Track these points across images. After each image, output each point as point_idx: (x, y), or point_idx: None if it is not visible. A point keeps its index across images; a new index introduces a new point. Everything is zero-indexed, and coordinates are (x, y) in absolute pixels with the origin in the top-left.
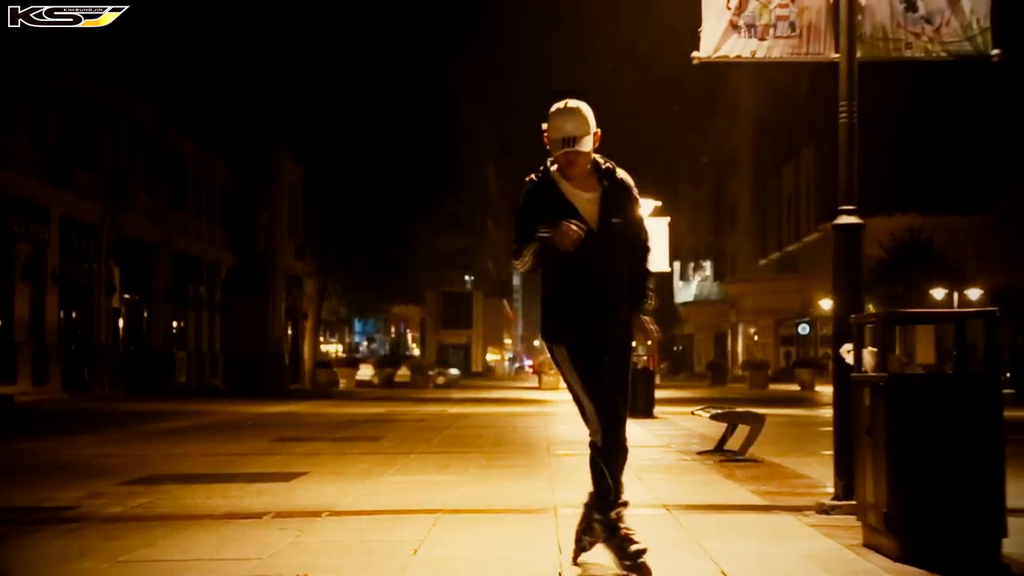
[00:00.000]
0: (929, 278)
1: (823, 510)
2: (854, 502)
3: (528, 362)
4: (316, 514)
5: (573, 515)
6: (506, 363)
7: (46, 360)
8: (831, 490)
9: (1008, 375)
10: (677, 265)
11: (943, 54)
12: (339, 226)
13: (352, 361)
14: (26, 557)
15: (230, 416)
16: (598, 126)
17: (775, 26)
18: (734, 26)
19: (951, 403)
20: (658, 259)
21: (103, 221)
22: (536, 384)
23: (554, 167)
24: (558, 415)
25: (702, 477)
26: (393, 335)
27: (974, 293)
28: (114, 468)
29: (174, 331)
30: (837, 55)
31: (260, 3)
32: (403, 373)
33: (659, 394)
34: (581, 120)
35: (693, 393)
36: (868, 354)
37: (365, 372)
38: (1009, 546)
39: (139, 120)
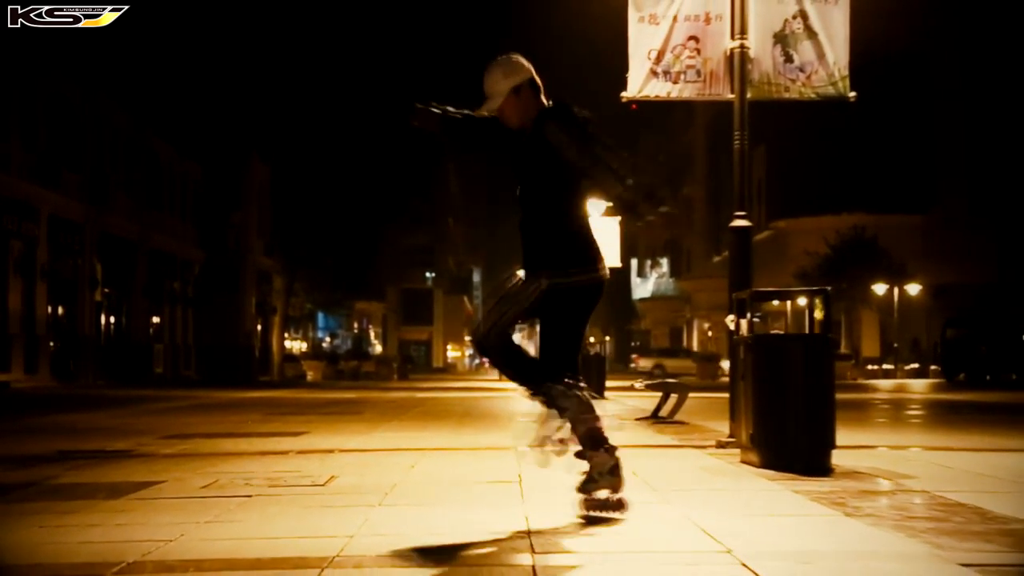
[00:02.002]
0: (872, 274)
1: (720, 445)
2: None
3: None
4: (329, 451)
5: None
6: (467, 359)
7: (37, 350)
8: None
9: (939, 365)
10: (634, 262)
11: (813, 96)
12: (306, 224)
13: (319, 354)
14: (127, 473)
15: (216, 399)
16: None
17: (685, 73)
18: (654, 72)
19: (795, 355)
20: (610, 256)
21: (87, 220)
22: (497, 376)
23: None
24: (517, 398)
25: (636, 432)
26: (356, 331)
27: (913, 288)
28: (144, 430)
29: (151, 325)
30: (732, 96)
31: (231, 14)
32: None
33: (614, 383)
34: (492, 77)
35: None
36: (744, 322)
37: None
38: (838, 457)
39: (120, 124)
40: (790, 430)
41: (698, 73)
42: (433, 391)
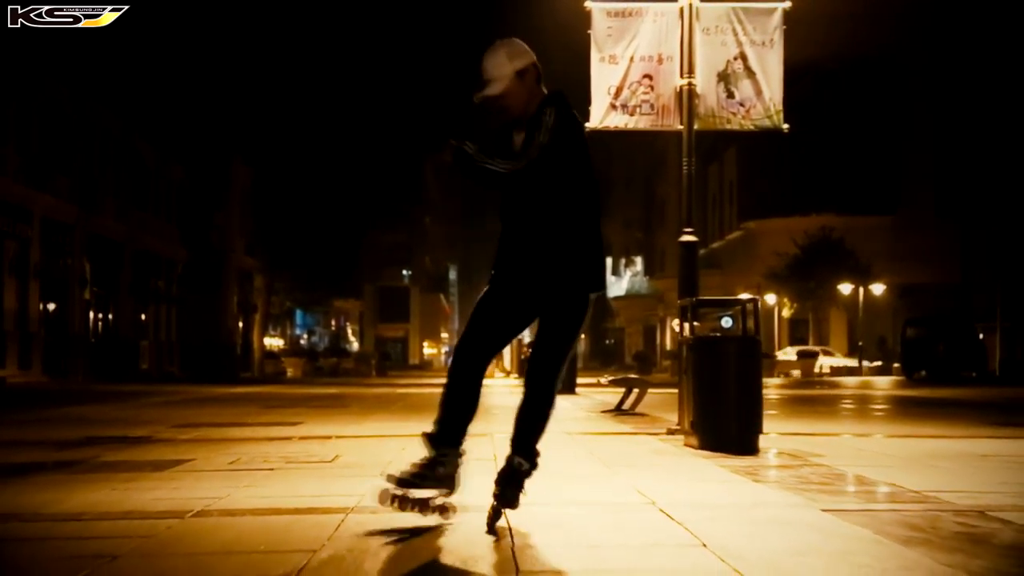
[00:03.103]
0: (839, 274)
1: (669, 432)
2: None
3: None
4: (327, 438)
5: (504, 438)
6: (443, 356)
7: (30, 347)
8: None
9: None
10: (609, 261)
11: (752, 127)
12: (286, 224)
13: (299, 351)
14: (158, 454)
15: (206, 394)
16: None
17: (640, 106)
18: (613, 106)
19: (728, 354)
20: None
21: (78, 221)
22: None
23: None
24: (495, 393)
25: (599, 422)
26: (333, 328)
27: (878, 288)
28: (153, 420)
29: (137, 322)
30: (681, 127)
31: (214, 18)
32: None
33: (586, 379)
34: (495, 60)
35: (621, 375)
36: (686, 325)
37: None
38: (775, 441)
39: (108, 128)
40: (724, 417)
41: (652, 107)
42: (412, 387)
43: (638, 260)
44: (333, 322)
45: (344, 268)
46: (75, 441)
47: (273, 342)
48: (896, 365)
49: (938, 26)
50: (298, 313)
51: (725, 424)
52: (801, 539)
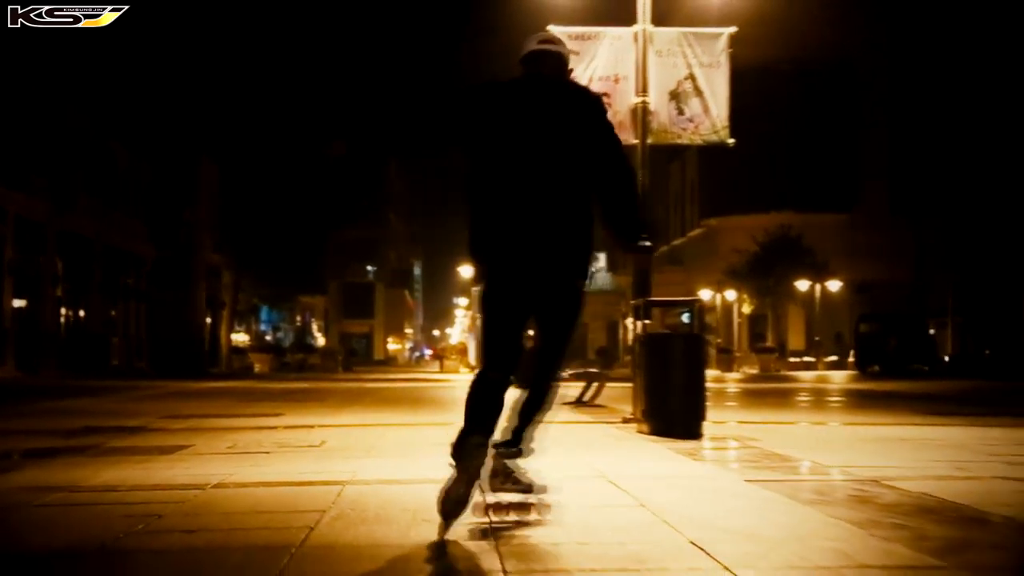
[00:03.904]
0: (797, 271)
1: (624, 420)
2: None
3: (428, 351)
4: (310, 427)
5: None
6: (407, 352)
7: (4, 343)
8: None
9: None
10: None
11: (700, 142)
12: (253, 221)
13: (265, 347)
14: (159, 440)
15: (181, 389)
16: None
17: None
18: None
19: (675, 349)
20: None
21: (50, 219)
22: (438, 369)
23: None
24: (458, 387)
25: (560, 413)
26: (299, 324)
27: (834, 285)
28: (141, 412)
29: (107, 319)
30: (636, 141)
31: (183, 19)
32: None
33: None
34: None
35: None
36: (639, 323)
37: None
38: (712, 428)
39: (80, 127)
40: (671, 405)
41: None
42: (380, 382)
43: (601, 256)
44: (298, 318)
45: (309, 264)
46: (77, 430)
47: (239, 338)
48: (851, 360)
49: (892, 28)
50: (264, 309)
51: (673, 411)
52: (721, 501)
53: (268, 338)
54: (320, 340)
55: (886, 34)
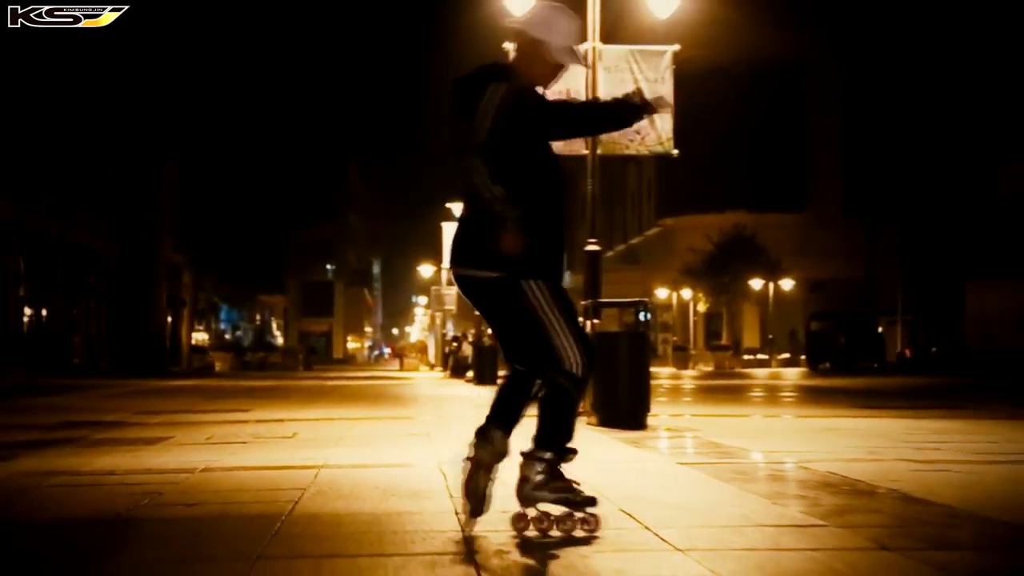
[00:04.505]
0: (751, 269)
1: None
2: None
3: (387, 349)
4: (280, 421)
5: (432, 420)
6: (366, 350)
7: None
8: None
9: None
10: None
11: (646, 152)
12: (214, 220)
13: (225, 346)
14: (140, 433)
15: (147, 387)
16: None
17: None
18: None
19: (621, 346)
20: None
21: (14, 218)
22: (398, 367)
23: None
24: (419, 385)
25: None
26: (258, 323)
27: (787, 283)
28: (115, 409)
29: (69, 317)
30: (586, 151)
31: (147, 21)
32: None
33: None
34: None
35: None
36: (589, 323)
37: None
38: (651, 419)
39: (45, 128)
40: (618, 398)
41: None
42: (341, 380)
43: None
44: (258, 317)
45: (269, 264)
46: (59, 424)
47: (199, 337)
48: (804, 357)
49: (842, 30)
50: (223, 308)
51: (619, 404)
52: (653, 480)
53: (227, 337)
54: (280, 339)
55: (836, 36)
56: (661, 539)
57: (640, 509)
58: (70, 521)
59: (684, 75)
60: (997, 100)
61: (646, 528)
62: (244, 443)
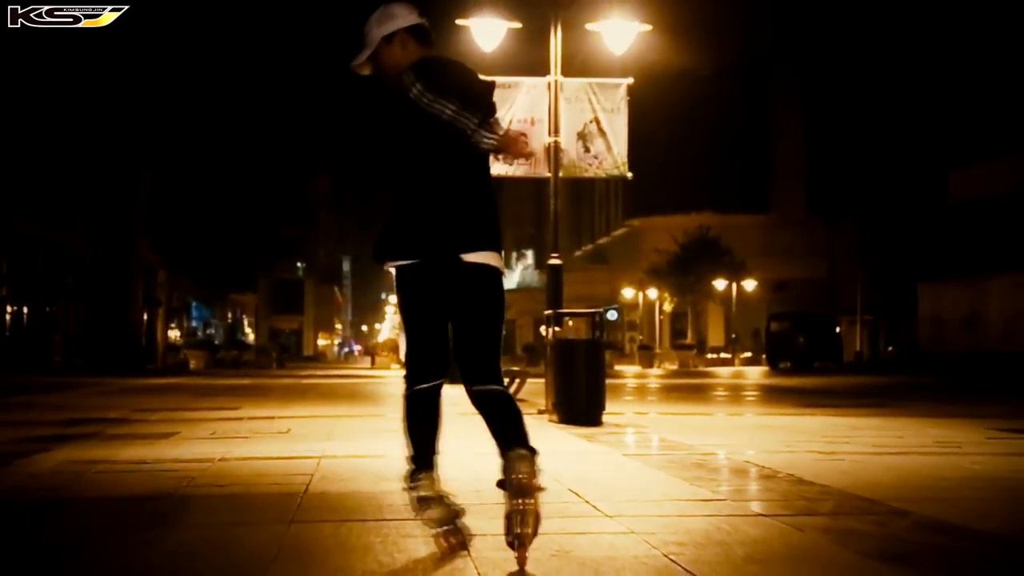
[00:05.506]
0: (716, 270)
1: (539, 412)
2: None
3: (356, 347)
4: (271, 418)
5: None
6: (335, 348)
7: None
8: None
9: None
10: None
11: (603, 175)
12: (187, 220)
13: (199, 344)
14: (147, 429)
15: (132, 385)
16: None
17: (517, 159)
18: (496, 158)
19: (579, 351)
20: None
21: None
22: (370, 365)
23: None
24: (391, 383)
25: None
26: (229, 320)
27: (750, 284)
28: (112, 407)
29: (48, 316)
30: (549, 174)
31: (121, 23)
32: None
33: None
34: (367, 26)
35: (506, 368)
36: (550, 330)
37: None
38: (607, 417)
39: (23, 132)
40: (575, 397)
41: (526, 159)
42: (315, 378)
43: (529, 254)
44: (229, 314)
45: (241, 262)
46: (69, 421)
47: (172, 334)
48: (764, 356)
49: (804, 32)
50: (194, 306)
51: (576, 403)
52: (598, 467)
53: (199, 334)
54: (251, 336)
55: (799, 39)
56: (596, 509)
57: (584, 488)
58: (134, 497)
59: (650, 78)
60: (950, 104)
61: (586, 502)
62: (246, 438)
